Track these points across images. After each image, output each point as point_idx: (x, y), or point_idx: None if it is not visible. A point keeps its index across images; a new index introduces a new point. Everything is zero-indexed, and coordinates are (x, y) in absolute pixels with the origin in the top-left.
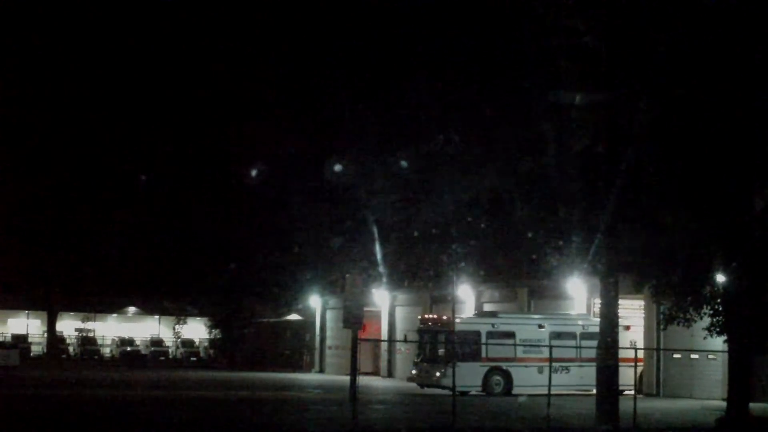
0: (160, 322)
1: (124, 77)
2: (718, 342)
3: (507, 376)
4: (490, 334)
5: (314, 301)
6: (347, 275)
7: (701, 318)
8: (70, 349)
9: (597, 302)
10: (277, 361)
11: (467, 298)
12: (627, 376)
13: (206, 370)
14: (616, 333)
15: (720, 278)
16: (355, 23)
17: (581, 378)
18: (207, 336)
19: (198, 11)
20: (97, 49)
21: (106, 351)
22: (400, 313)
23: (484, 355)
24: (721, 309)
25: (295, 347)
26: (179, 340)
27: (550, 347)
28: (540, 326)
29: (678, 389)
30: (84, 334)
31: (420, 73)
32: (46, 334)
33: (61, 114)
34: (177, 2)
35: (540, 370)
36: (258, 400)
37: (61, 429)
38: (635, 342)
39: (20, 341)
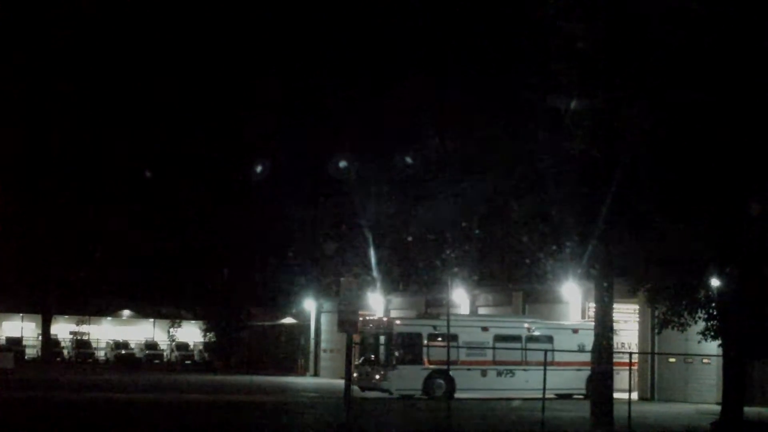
0: (154, 326)
1: (121, 78)
2: (713, 346)
3: (449, 380)
4: (432, 337)
5: (309, 304)
6: (342, 279)
7: (696, 322)
8: (65, 352)
9: (592, 306)
10: (272, 364)
11: (462, 302)
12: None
13: (201, 374)
14: (611, 337)
15: (715, 282)
16: (354, 30)
17: (527, 382)
18: (202, 339)
19: (199, 11)
20: (95, 50)
21: (101, 354)
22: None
23: (425, 357)
24: (715, 313)
25: (290, 351)
26: (174, 343)
27: (494, 350)
28: (484, 329)
29: (673, 393)
30: (79, 337)
31: (416, 78)
32: (40, 337)
33: (56, 116)
34: (181, 2)
35: (484, 374)
36: (252, 403)
37: None
38: (583, 346)
39: (15, 344)
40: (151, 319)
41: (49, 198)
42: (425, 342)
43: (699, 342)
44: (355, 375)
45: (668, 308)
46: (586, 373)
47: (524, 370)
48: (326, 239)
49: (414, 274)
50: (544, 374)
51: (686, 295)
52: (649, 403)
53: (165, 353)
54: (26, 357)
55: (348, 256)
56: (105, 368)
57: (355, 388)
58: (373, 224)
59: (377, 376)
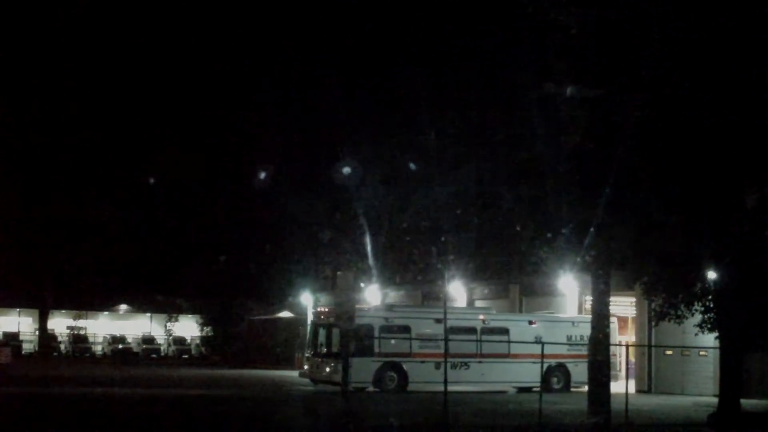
0: (151, 320)
1: (119, 75)
2: (710, 338)
3: (401, 372)
4: (384, 329)
5: (305, 298)
6: (338, 272)
7: (693, 315)
8: (62, 346)
9: (589, 299)
10: (270, 358)
11: (459, 295)
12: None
13: (198, 368)
14: (608, 328)
15: (711, 275)
16: (348, 15)
17: (482, 374)
18: (199, 333)
19: (200, 10)
20: (97, 49)
21: (98, 349)
22: None
23: (376, 349)
24: (712, 306)
25: (287, 344)
26: (171, 337)
27: (446, 341)
28: (437, 320)
29: (670, 385)
30: (75, 332)
31: (411, 67)
32: (37, 332)
33: (53, 112)
34: (179, 3)
35: (437, 366)
36: (249, 397)
37: (52, 427)
38: (540, 337)
39: (11, 339)
40: (148, 314)
41: (45, 193)
42: (377, 334)
43: (696, 334)
44: (305, 367)
45: (665, 300)
46: (544, 365)
47: (479, 362)
48: (322, 228)
49: (411, 264)
50: (542, 365)
51: (683, 287)
52: (646, 396)
53: (162, 347)
54: (23, 352)
55: (344, 244)
56: (102, 363)
57: (308, 381)
58: (368, 213)
59: (327, 369)
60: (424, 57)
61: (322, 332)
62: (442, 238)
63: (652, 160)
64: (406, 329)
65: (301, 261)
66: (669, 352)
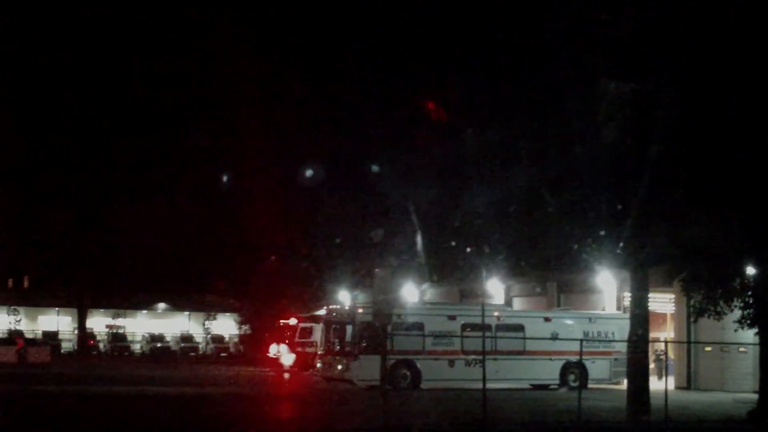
0: (189, 318)
1: (158, 75)
2: (749, 334)
3: (414, 370)
4: (397, 326)
5: (344, 296)
6: (377, 270)
7: (732, 310)
8: (101, 345)
9: (627, 296)
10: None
11: (497, 293)
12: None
13: (236, 366)
14: (647, 326)
15: (750, 270)
16: (395, 13)
17: (497, 372)
18: (237, 332)
19: (200, 9)
20: (109, 50)
21: (137, 347)
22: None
23: (389, 347)
24: (752, 301)
25: None
26: (209, 335)
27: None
28: (451, 317)
29: (709, 382)
30: (114, 331)
31: (450, 69)
32: (76, 331)
33: (86, 111)
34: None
35: (451, 363)
36: (285, 395)
37: (92, 425)
38: (556, 334)
39: (51, 338)
40: (187, 312)
41: (84, 193)
42: (389, 331)
43: (735, 330)
44: (318, 365)
45: (704, 297)
46: (560, 362)
47: (494, 359)
48: (373, 226)
49: (450, 262)
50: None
51: (722, 283)
52: (685, 392)
53: (200, 346)
54: (62, 351)
55: (389, 245)
56: (140, 361)
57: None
58: (412, 212)
59: (339, 367)
60: (463, 58)
61: (334, 330)
62: (484, 238)
63: (690, 155)
64: (419, 326)
65: (340, 260)
66: (708, 349)
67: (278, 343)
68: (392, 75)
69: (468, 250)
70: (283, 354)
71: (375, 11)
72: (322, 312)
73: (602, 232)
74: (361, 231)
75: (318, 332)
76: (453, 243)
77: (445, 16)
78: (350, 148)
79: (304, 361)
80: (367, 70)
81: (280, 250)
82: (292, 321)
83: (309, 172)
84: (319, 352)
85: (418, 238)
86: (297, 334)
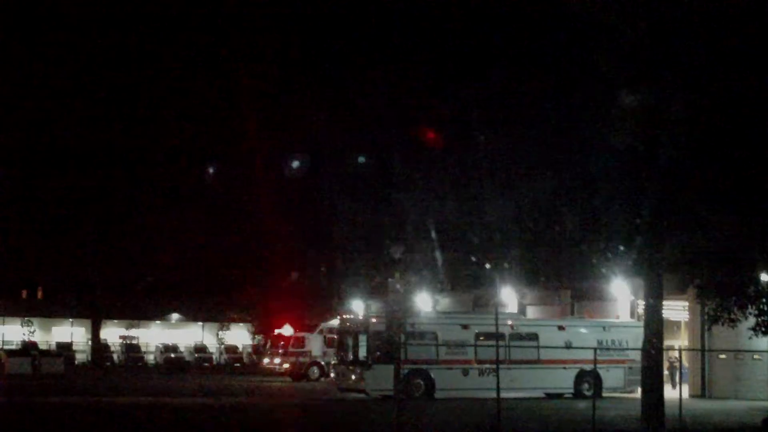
0: (203, 329)
1: (173, 79)
2: (764, 342)
3: (428, 379)
4: (410, 335)
5: (357, 306)
6: (390, 280)
7: (746, 318)
8: (115, 356)
9: (641, 303)
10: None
11: (510, 301)
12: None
13: (249, 376)
14: (661, 335)
15: (765, 277)
16: (413, 22)
17: (511, 381)
18: (250, 342)
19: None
20: (122, 52)
21: (150, 358)
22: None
23: (402, 357)
24: (766, 308)
25: None
26: (223, 346)
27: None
28: (464, 326)
29: (723, 390)
30: (128, 342)
31: (463, 79)
32: (90, 342)
33: (104, 123)
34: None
35: (465, 372)
36: (299, 405)
37: None
38: (570, 343)
39: (65, 349)
40: (200, 323)
41: (97, 204)
42: (402, 340)
43: (750, 338)
44: (332, 375)
45: (718, 304)
46: (574, 371)
47: (508, 368)
48: (392, 242)
49: (463, 271)
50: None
51: (736, 290)
52: (700, 400)
53: (214, 356)
54: (76, 362)
55: (413, 257)
56: (154, 372)
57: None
58: (430, 226)
59: (353, 377)
60: (475, 68)
61: (347, 340)
62: (502, 253)
63: (704, 161)
64: (432, 336)
65: (352, 270)
66: (722, 356)
67: (273, 352)
68: (412, 87)
69: (487, 266)
70: (277, 363)
71: (395, 21)
72: (335, 322)
73: (619, 244)
74: (378, 243)
75: (312, 341)
76: (473, 258)
77: (462, 25)
78: (368, 160)
79: (297, 370)
80: (387, 83)
81: (298, 267)
82: (286, 331)
83: (325, 187)
84: (333, 362)
85: (437, 253)
86: (291, 344)
